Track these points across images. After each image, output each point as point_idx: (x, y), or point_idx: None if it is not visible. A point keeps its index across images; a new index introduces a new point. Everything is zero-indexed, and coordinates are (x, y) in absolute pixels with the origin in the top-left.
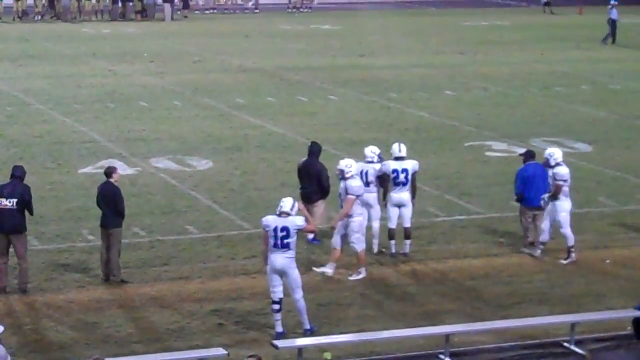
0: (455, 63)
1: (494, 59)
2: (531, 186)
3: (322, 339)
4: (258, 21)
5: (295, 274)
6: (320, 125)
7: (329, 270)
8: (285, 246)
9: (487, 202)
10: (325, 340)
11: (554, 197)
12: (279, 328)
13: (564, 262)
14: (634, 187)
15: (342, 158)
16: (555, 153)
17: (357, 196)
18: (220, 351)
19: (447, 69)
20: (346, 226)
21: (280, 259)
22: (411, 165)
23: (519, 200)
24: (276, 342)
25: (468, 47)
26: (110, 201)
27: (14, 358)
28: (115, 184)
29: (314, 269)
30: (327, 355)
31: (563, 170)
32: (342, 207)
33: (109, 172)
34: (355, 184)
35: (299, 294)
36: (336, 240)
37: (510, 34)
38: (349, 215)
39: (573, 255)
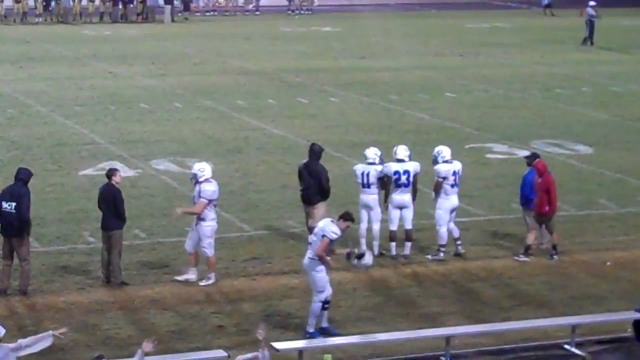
0: (456, 65)
1: (494, 61)
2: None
3: (322, 341)
4: (258, 23)
5: (313, 276)
6: (320, 127)
7: (191, 276)
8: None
9: (487, 204)
10: (326, 342)
11: (435, 193)
12: (310, 328)
13: (430, 257)
14: (635, 190)
15: (345, 160)
16: (443, 151)
17: (210, 200)
18: (221, 353)
19: (447, 71)
20: (198, 231)
21: (305, 259)
22: (413, 167)
23: (525, 203)
24: (276, 344)
25: (469, 49)
26: (111, 203)
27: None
28: (117, 186)
29: (176, 277)
30: (328, 357)
31: (443, 167)
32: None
33: (110, 174)
34: (210, 188)
35: (314, 296)
36: (189, 245)
37: (511, 36)
38: (201, 219)
39: (441, 254)
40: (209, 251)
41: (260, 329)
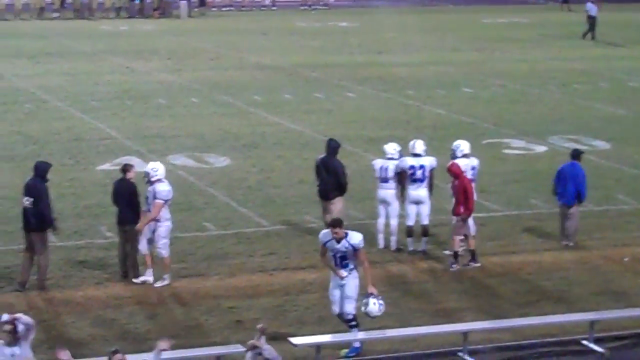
0: (473, 60)
1: (511, 56)
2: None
3: (340, 336)
4: (275, 18)
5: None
6: (337, 123)
7: (148, 277)
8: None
9: (505, 199)
10: (343, 337)
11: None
12: (356, 343)
13: (447, 252)
14: None
15: (362, 155)
16: (461, 145)
17: (165, 201)
18: (239, 348)
19: (464, 67)
20: (153, 231)
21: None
22: (429, 162)
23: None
24: (293, 339)
25: (486, 44)
26: (126, 198)
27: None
28: (131, 181)
29: (134, 280)
30: (344, 352)
31: (459, 162)
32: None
33: (125, 169)
34: (164, 188)
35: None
36: (143, 246)
37: (528, 31)
38: (157, 220)
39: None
40: (164, 252)
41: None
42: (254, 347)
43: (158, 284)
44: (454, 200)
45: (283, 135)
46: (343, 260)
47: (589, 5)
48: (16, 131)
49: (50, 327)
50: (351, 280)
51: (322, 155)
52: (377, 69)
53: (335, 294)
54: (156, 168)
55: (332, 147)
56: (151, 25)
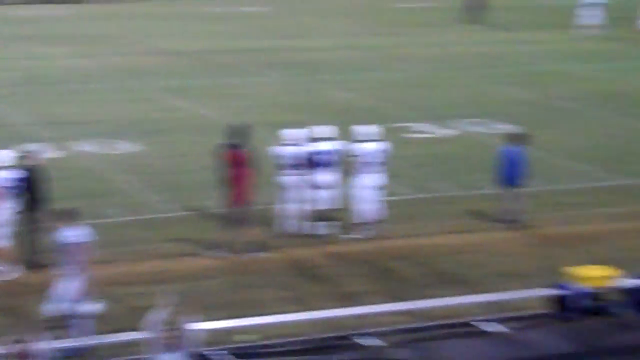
0: (384, 45)
1: (421, 40)
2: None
3: (235, 322)
4: (184, 3)
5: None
6: (249, 108)
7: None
8: None
9: (410, 183)
10: (233, 323)
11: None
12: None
13: (350, 236)
14: (558, 168)
15: (269, 140)
16: (366, 129)
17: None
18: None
19: (375, 51)
20: None
21: None
22: (335, 146)
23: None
24: (189, 324)
25: (398, 29)
26: (28, 186)
27: None
28: (36, 167)
29: None
30: (240, 338)
31: (363, 146)
32: None
33: (27, 155)
34: (2, 175)
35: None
36: None
37: (439, 15)
38: None
39: (362, 233)
40: (1, 242)
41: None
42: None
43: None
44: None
45: (193, 120)
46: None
47: None
48: None
49: None
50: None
51: (226, 141)
52: (289, 53)
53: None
54: None
55: (237, 132)
56: (59, 11)
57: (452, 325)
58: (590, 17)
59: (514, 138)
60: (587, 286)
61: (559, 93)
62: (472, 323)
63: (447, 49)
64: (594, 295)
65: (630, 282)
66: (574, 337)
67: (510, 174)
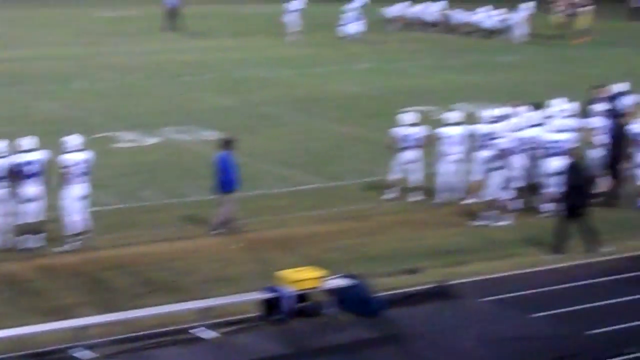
0: (85, 54)
1: (123, 49)
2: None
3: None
4: None
5: None
6: None
7: None
8: None
9: (116, 192)
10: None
11: (62, 183)
12: None
13: (60, 249)
14: (259, 172)
15: None
16: (71, 140)
17: None
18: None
19: (76, 61)
20: None
21: None
22: (39, 156)
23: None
24: None
25: (97, 38)
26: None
27: None
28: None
29: None
30: None
31: (69, 157)
32: None
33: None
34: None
35: None
36: None
37: (140, 24)
38: None
39: (71, 244)
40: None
41: None
42: None
43: None
44: None
45: None
46: None
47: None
48: None
49: None
50: None
51: None
52: None
53: None
54: None
55: None
56: None
57: (167, 334)
58: (292, 24)
59: (224, 144)
60: (295, 288)
61: (261, 99)
62: (190, 331)
63: (150, 57)
64: (302, 297)
65: (335, 283)
66: (282, 339)
67: (224, 179)
